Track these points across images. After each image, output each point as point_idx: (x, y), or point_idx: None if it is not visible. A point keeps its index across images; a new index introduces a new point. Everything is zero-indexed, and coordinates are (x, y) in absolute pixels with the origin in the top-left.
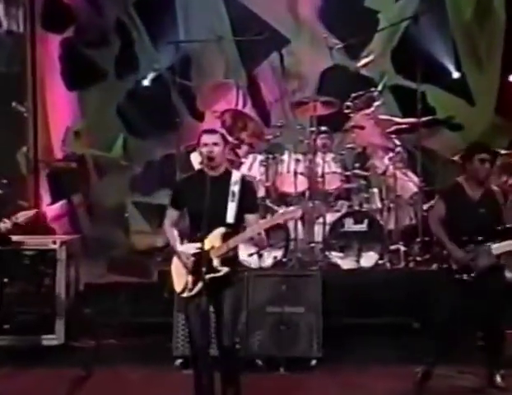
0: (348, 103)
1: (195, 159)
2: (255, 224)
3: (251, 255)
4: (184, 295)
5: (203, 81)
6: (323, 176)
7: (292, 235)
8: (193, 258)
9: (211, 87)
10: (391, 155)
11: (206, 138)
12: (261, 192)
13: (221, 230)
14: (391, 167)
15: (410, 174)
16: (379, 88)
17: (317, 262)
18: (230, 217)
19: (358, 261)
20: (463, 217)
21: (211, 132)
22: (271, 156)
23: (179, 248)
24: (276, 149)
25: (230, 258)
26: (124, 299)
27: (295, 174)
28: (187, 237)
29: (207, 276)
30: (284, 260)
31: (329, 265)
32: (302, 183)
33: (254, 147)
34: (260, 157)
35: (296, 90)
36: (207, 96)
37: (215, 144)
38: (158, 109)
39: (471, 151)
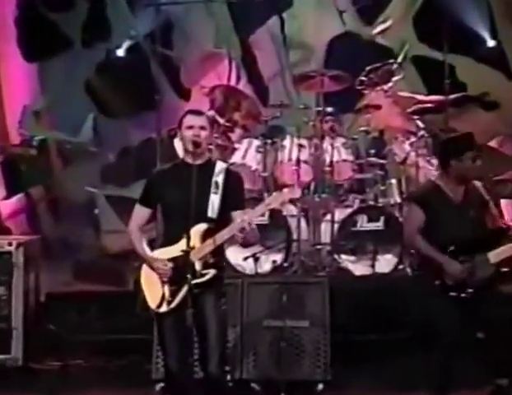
0: (362, 78)
1: (178, 145)
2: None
3: (246, 259)
4: (163, 309)
5: (189, 51)
6: (331, 165)
7: (294, 235)
8: (171, 265)
9: (198, 58)
10: (413, 139)
11: (191, 120)
12: (258, 184)
13: (202, 226)
14: (413, 154)
15: (435, 162)
16: (399, 60)
17: (324, 268)
18: (212, 211)
19: (373, 266)
20: (447, 223)
21: (197, 113)
22: (269, 141)
23: (151, 254)
24: (275, 133)
25: (215, 261)
26: (95, 312)
27: (298, 162)
28: (160, 240)
29: (192, 282)
30: (285, 265)
31: (338, 270)
32: (306, 174)
33: (250, 130)
34: (257, 142)
35: (300, 62)
36: (193, 69)
37: (202, 128)
38: (135, 84)
39: (459, 148)
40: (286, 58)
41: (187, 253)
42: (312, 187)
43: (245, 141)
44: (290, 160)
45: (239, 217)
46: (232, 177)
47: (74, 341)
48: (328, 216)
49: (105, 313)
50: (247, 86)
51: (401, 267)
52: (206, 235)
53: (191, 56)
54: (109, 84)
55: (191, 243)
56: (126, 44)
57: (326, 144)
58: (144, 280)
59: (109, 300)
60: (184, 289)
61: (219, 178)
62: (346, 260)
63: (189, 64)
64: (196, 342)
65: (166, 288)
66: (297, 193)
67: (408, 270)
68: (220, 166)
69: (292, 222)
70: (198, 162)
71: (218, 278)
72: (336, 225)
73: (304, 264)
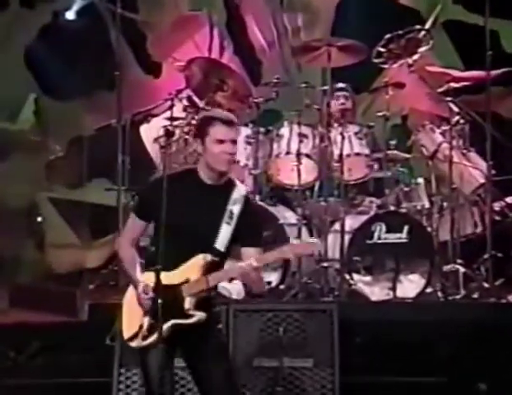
0: (380, 48)
1: (147, 134)
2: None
3: (232, 280)
4: (134, 343)
5: (158, 14)
6: (340, 160)
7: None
8: (151, 293)
9: (170, 23)
10: (445, 127)
11: (222, 132)
12: (247, 185)
13: (205, 257)
14: (445, 146)
15: (474, 156)
16: (428, 25)
17: (332, 291)
18: (221, 244)
19: (394, 289)
20: None
21: (230, 123)
22: (262, 130)
23: (139, 276)
24: (269, 119)
25: (207, 299)
26: (37, 349)
27: (299, 156)
28: (149, 260)
29: (172, 322)
30: (282, 287)
31: (350, 295)
32: (310, 171)
33: (237, 115)
34: (246, 131)
35: (301, 29)
36: (164, 37)
37: (234, 142)
38: (89, 55)
39: None
40: (283, 23)
41: (179, 284)
42: (316, 188)
43: None
44: (288, 153)
45: (246, 262)
46: (251, 209)
47: (10, 387)
48: (337, 225)
49: (51, 351)
50: (233, 59)
51: (429, 290)
52: (207, 269)
53: (161, 20)
54: (56, 55)
55: (186, 275)
56: (77, 5)
57: (334, 133)
58: (126, 303)
59: (56, 334)
60: (165, 326)
61: (235, 207)
62: (360, 281)
63: (159, 31)
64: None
65: (146, 320)
66: (317, 247)
67: (439, 294)
68: (238, 193)
69: (291, 232)
70: (217, 181)
71: (214, 320)
72: (347, 237)
73: (307, 286)
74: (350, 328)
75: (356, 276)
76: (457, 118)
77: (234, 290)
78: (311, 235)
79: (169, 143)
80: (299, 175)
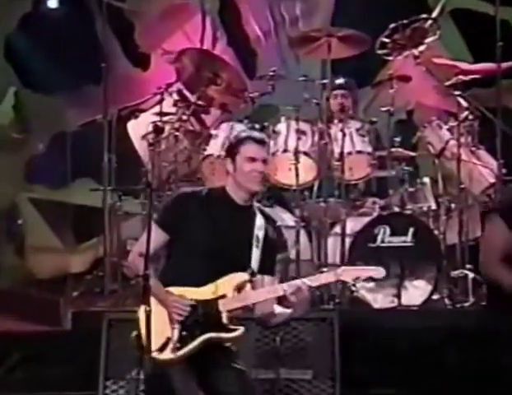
0: (384, 39)
1: (134, 130)
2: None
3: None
4: (165, 355)
5: (147, 3)
6: (341, 158)
7: (292, 253)
8: (190, 303)
9: (159, 12)
10: (453, 123)
11: (254, 150)
12: None
13: (242, 276)
14: (452, 143)
15: (484, 154)
16: (435, 13)
17: (332, 298)
18: (256, 264)
19: (398, 295)
20: None
21: (262, 142)
22: (257, 126)
23: (168, 289)
24: (266, 114)
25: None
26: (17, 360)
27: (297, 154)
28: (169, 275)
29: (210, 335)
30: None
31: (352, 302)
32: (308, 170)
33: (231, 111)
34: (240, 127)
35: (300, 18)
36: (152, 27)
37: (265, 162)
38: (73, 46)
39: None
40: (280, 11)
41: (215, 299)
42: (315, 188)
43: (224, 125)
44: (285, 151)
45: (291, 283)
46: (270, 236)
47: None
48: (338, 228)
49: (32, 362)
50: (227, 51)
51: (436, 297)
52: (241, 287)
53: (150, 9)
54: (38, 46)
55: (222, 291)
56: None
57: (335, 129)
58: (154, 315)
59: (38, 344)
60: (200, 339)
61: (260, 232)
62: (363, 288)
63: (148, 20)
64: None
65: (176, 331)
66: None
67: (446, 301)
68: (260, 220)
69: (289, 236)
70: (244, 202)
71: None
72: (348, 240)
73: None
74: (351, 338)
75: (357, 283)
76: (465, 113)
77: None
78: (310, 239)
79: (158, 140)
80: (297, 175)
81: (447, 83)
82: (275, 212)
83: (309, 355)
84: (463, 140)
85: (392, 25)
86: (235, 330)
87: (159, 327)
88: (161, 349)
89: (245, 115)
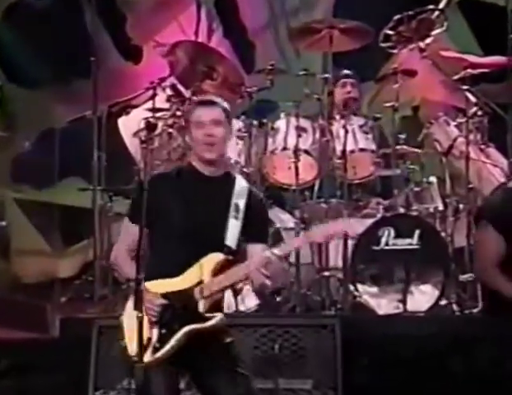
0: (388, 31)
1: (125, 127)
2: (278, 247)
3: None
4: (146, 358)
5: None
6: (343, 156)
7: (291, 257)
8: (162, 301)
9: (152, 2)
10: (461, 120)
11: (200, 114)
12: None
13: (217, 257)
14: (461, 140)
15: (494, 152)
16: (442, 4)
17: (334, 304)
18: (232, 240)
19: (403, 301)
20: None
21: (211, 103)
22: (255, 123)
23: (145, 284)
24: (264, 110)
25: (218, 302)
26: (4, 369)
27: (297, 152)
28: (150, 268)
29: (189, 327)
30: (278, 299)
31: (355, 308)
32: (309, 169)
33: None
34: (237, 124)
35: (300, 9)
36: (145, 18)
37: (217, 123)
38: (61, 39)
39: None
40: (279, 2)
41: (190, 288)
42: (316, 188)
43: None
44: (285, 149)
45: (263, 252)
46: (256, 201)
47: None
48: None
49: (19, 371)
50: (223, 43)
51: (443, 302)
52: (220, 269)
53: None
54: (23, 38)
55: (198, 278)
56: None
57: (336, 126)
58: (127, 318)
59: (24, 352)
60: (179, 334)
61: (240, 201)
62: (366, 293)
63: (140, 11)
64: None
65: (155, 331)
66: (356, 229)
67: (454, 307)
68: (240, 185)
69: (288, 238)
70: (214, 172)
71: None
72: (351, 243)
73: (306, 299)
74: (354, 346)
75: (360, 287)
76: (474, 109)
77: (224, 303)
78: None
79: (150, 137)
80: (297, 174)
81: (455, 77)
82: (273, 213)
83: (309, 364)
84: (471, 137)
85: (396, 17)
86: (211, 318)
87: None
88: (142, 351)
89: (242, 111)
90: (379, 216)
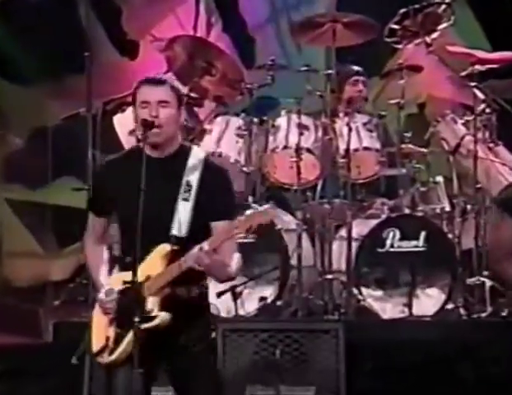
0: (393, 25)
1: (121, 125)
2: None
3: (221, 295)
4: (102, 359)
5: None
6: (347, 155)
7: (293, 259)
8: (115, 296)
9: None
10: (469, 117)
11: (146, 93)
12: (239, 184)
13: (163, 248)
14: (468, 139)
15: (502, 150)
16: None
17: (337, 308)
18: (179, 227)
19: (409, 305)
20: None
21: (155, 82)
22: (256, 120)
23: (104, 280)
24: (265, 107)
25: (176, 296)
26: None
27: (299, 151)
28: (118, 262)
29: (141, 327)
30: (278, 303)
31: (358, 312)
32: (311, 168)
33: (226, 104)
34: (237, 121)
35: (301, 3)
36: (141, 13)
37: (162, 103)
38: (54, 33)
39: None
40: None
41: (140, 284)
42: (319, 187)
43: (220, 119)
44: (286, 147)
45: (227, 228)
46: (212, 173)
47: None
48: (343, 231)
49: (11, 377)
50: (222, 38)
51: (450, 306)
52: (168, 262)
53: None
54: (15, 33)
55: (148, 272)
56: None
57: (340, 124)
58: (96, 314)
59: (17, 357)
60: (129, 336)
61: (193, 176)
62: (370, 296)
63: (136, 4)
64: None
65: (112, 330)
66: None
67: (462, 311)
68: (195, 158)
69: (290, 240)
70: (163, 154)
71: (203, 324)
72: (354, 245)
73: (308, 303)
74: (358, 351)
75: (365, 291)
76: (482, 106)
77: (222, 306)
78: (313, 243)
79: (147, 136)
80: (298, 173)
81: (462, 73)
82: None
83: (311, 370)
84: (479, 135)
85: (402, 11)
86: (154, 317)
87: (102, 326)
88: (100, 352)
89: (242, 108)
90: (383, 216)
